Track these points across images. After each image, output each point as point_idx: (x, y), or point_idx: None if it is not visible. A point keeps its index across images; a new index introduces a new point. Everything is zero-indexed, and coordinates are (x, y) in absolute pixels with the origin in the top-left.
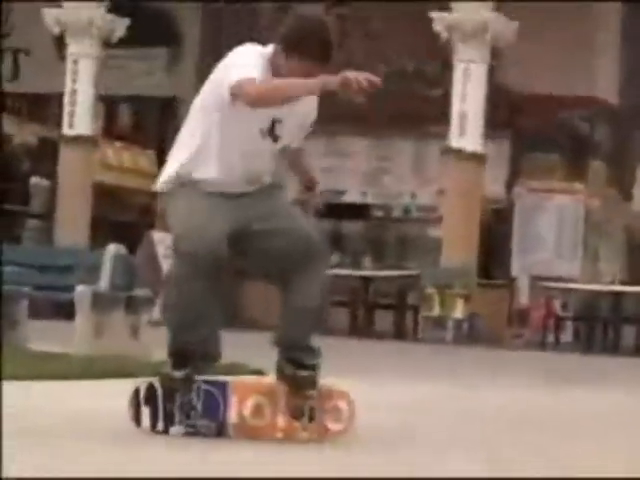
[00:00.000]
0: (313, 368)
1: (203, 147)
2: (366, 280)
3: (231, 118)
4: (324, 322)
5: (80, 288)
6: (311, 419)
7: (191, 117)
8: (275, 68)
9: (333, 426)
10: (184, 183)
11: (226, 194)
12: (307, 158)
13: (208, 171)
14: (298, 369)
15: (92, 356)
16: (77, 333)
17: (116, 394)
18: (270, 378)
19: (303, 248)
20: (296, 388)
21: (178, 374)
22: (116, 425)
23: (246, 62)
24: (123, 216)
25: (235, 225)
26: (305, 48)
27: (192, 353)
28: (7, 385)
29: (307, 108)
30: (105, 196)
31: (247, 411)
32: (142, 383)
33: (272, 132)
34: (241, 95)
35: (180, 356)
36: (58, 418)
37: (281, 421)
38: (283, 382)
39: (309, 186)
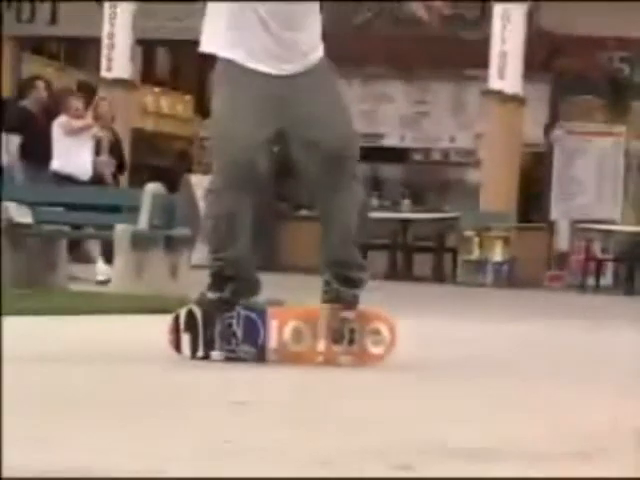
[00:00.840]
0: (356, 283)
1: (233, 11)
2: (405, 223)
3: None
4: (363, 239)
5: (119, 227)
6: (351, 342)
7: None
8: None
9: (373, 350)
10: (228, 59)
11: (269, 77)
12: None
13: (242, 35)
14: (342, 284)
15: (131, 294)
16: (116, 272)
17: (153, 327)
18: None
19: (332, 168)
20: (339, 302)
21: (213, 295)
22: (155, 352)
23: None
24: (161, 162)
25: (273, 130)
26: None
27: (229, 275)
28: (42, 319)
29: None
30: (143, 142)
31: (287, 336)
32: (182, 309)
33: None
34: None
35: (218, 277)
36: (93, 346)
37: (321, 345)
38: (327, 298)
39: None
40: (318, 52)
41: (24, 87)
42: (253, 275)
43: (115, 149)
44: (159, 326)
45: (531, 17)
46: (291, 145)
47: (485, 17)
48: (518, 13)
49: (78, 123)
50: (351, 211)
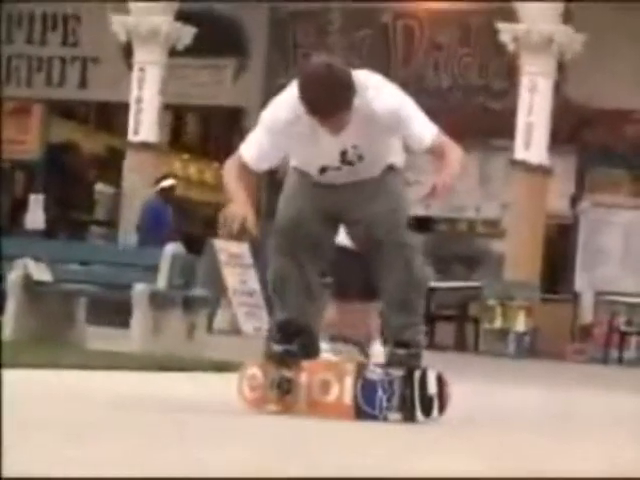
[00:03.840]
0: (410, 345)
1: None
2: (428, 292)
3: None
4: (419, 304)
5: (138, 286)
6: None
7: None
8: None
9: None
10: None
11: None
12: (448, 152)
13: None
14: (396, 347)
15: (148, 353)
16: (134, 331)
17: (169, 383)
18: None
19: (384, 255)
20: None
21: (279, 348)
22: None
23: (257, 133)
24: (188, 227)
25: (325, 214)
26: (302, 99)
27: (293, 331)
28: (54, 372)
29: (376, 122)
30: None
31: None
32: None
33: (345, 160)
34: None
35: (284, 331)
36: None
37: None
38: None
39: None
40: (386, 164)
41: None
42: (315, 336)
43: None
44: (175, 383)
45: (558, 89)
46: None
47: (512, 88)
48: (545, 84)
49: None
50: (407, 285)
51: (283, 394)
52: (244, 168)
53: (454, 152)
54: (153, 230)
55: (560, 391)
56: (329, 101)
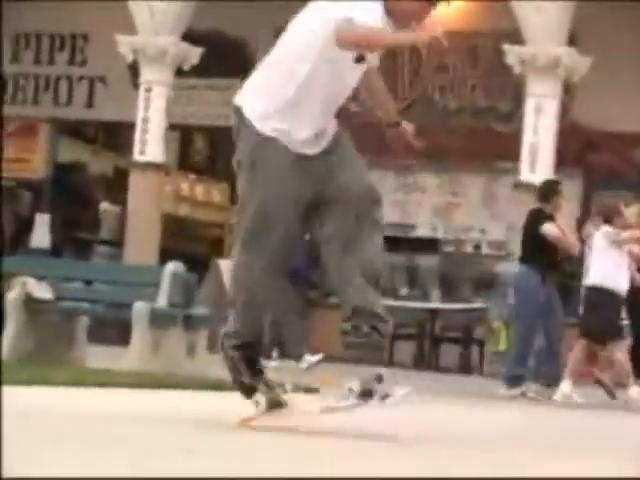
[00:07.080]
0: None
1: (294, 101)
2: (433, 313)
3: (326, 63)
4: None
5: (138, 304)
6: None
7: (278, 63)
8: (389, 11)
9: None
10: (265, 136)
11: (304, 156)
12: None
13: (292, 124)
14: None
15: (147, 371)
16: (133, 349)
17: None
18: None
19: (362, 212)
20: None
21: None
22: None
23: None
24: (194, 248)
25: (303, 201)
26: None
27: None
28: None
29: None
30: (176, 227)
31: None
32: None
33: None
34: (337, 38)
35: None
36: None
37: None
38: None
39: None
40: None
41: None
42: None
43: None
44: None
45: (564, 111)
46: (313, 212)
47: (518, 110)
48: (551, 107)
49: (626, 234)
50: (377, 257)
51: (274, 411)
52: None
53: None
54: None
55: (560, 412)
56: None
